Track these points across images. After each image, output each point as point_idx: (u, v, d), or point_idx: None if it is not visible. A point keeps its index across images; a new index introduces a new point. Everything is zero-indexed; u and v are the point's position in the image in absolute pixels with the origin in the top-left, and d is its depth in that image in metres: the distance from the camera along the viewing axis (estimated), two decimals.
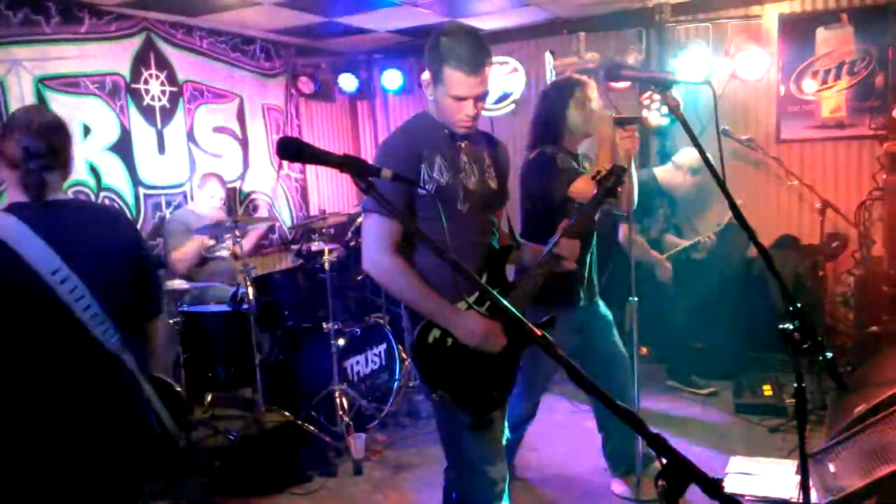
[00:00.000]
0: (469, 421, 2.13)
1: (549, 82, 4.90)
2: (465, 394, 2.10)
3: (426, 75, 2.14)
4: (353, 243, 4.57)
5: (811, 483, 2.27)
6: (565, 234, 2.27)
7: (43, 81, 4.25)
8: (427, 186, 2.08)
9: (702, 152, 2.03)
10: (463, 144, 2.21)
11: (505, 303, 1.31)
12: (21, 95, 4.13)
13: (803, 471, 1.99)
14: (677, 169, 4.59)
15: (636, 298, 3.15)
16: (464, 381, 2.09)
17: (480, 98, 2.10)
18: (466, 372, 2.08)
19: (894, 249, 3.94)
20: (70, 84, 4.40)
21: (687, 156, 4.58)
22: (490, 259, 2.22)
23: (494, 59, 6.41)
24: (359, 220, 4.57)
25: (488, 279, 2.18)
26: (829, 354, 1.93)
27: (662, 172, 4.65)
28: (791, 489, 3.17)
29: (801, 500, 2.02)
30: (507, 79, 5.88)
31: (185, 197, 5.08)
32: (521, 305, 2.15)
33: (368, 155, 6.69)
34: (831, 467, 3.01)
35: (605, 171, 2.45)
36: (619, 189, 2.46)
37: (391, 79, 6.18)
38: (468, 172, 2.20)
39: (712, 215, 5.03)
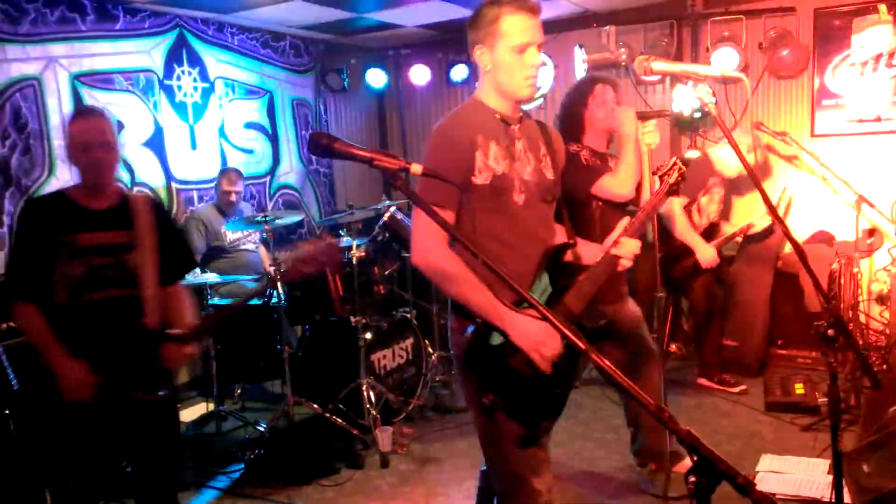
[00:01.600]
0: (519, 432, 1.97)
1: (577, 77, 4.85)
2: (518, 404, 1.94)
3: (478, 50, 2.01)
4: (380, 238, 4.58)
5: (844, 483, 2.23)
6: (626, 233, 2.13)
7: (78, 78, 4.34)
8: (481, 176, 1.95)
9: (734, 146, 2.01)
10: (517, 129, 2.07)
11: (540, 307, 1.29)
12: (57, 92, 4.23)
13: (836, 470, 1.96)
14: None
15: (663, 294, 3.13)
16: (519, 391, 1.92)
17: (540, 48, 2.01)
18: (524, 381, 1.91)
19: None
20: (105, 80, 4.49)
21: (742, 136, 4.47)
22: (549, 256, 2.09)
23: None
24: (386, 215, 4.57)
25: (550, 278, 2.05)
26: (864, 352, 1.90)
27: (717, 151, 4.50)
28: (823, 489, 3.12)
29: (833, 500, 1.99)
30: None
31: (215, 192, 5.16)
32: (580, 306, 2.02)
33: (396, 150, 6.71)
34: (865, 467, 2.95)
35: (667, 167, 2.30)
36: (683, 182, 2.34)
37: (419, 74, 6.18)
38: (524, 161, 2.05)
39: (746, 202, 4.95)
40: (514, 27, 1.95)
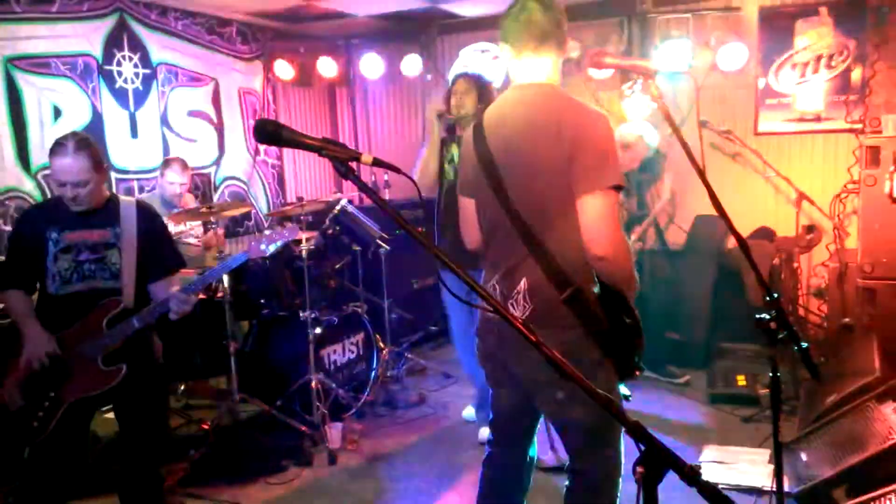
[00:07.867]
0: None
1: None
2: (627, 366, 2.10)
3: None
4: (330, 231, 4.50)
5: (784, 472, 2.29)
6: None
7: (12, 61, 4.14)
8: None
9: (683, 142, 2.02)
10: None
11: (494, 301, 1.29)
12: None
13: (777, 460, 2.00)
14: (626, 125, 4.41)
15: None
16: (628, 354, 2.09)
17: None
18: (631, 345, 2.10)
19: (868, 242, 3.99)
20: (40, 65, 4.29)
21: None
22: None
23: (476, 46, 6.39)
24: (336, 208, 4.49)
25: None
26: (804, 344, 1.94)
27: (620, 132, 4.36)
28: (764, 478, 3.20)
29: (773, 489, 2.03)
30: (488, 66, 5.84)
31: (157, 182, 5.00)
32: None
33: (348, 141, 6.62)
34: (803, 456, 3.05)
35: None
36: None
37: (371, 64, 6.11)
38: None
39: (660, 186, 4.86)
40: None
